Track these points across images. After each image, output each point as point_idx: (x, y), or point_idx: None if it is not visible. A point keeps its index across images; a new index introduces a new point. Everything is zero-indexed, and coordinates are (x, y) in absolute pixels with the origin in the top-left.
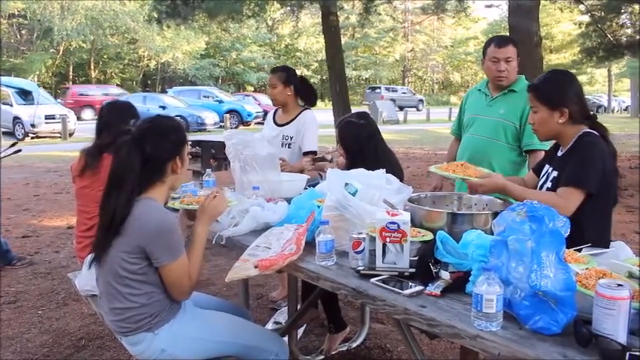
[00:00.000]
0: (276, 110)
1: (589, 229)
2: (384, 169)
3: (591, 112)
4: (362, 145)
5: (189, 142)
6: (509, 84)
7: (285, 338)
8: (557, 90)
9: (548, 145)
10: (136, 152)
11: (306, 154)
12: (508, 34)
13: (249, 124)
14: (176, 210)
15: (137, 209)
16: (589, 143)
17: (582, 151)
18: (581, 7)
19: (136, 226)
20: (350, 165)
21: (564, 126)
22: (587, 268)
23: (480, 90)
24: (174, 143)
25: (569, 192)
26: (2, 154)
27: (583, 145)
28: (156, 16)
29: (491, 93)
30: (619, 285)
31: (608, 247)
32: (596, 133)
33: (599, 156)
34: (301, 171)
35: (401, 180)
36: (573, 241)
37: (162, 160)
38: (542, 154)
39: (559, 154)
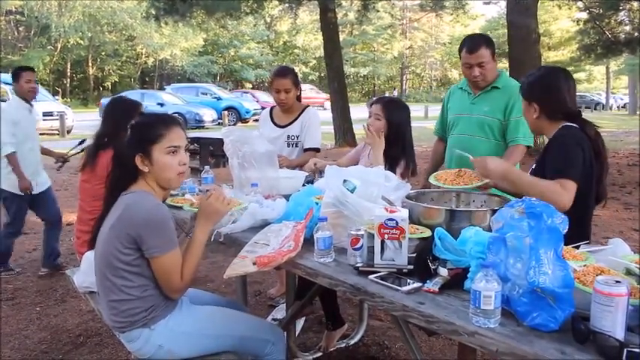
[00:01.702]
0: (271, 109)
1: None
2: (408, 156)
3: (576, 110)
4: (402, 123)
5: (188, 140)
6: (490, 83)
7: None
8: (532, 85)
9: (532, 140)
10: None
11: (307, 150)
12: (507, 31)
13: (248, 121)
14: (177, 208)
15: (129, 200)
16: (564, 136)
17: (560, 144)
18: (580, 4)
19: (127, 216)
20: (387, 141)
21: (540, 121)
22: (585, 265)
23: (461, 88)
24: (133, 141)
25: (565, 183)
26: (72, 152)
27: (558, 138)
28: (154, 13)
29: (474, 91)
30: (617, 282)
31: (589, 241)
32: (574, 125)
33: (576, 147)
34: (301, 166)
35: (414, 173)
36: None
37: (125, 158)
38: (522, 148)
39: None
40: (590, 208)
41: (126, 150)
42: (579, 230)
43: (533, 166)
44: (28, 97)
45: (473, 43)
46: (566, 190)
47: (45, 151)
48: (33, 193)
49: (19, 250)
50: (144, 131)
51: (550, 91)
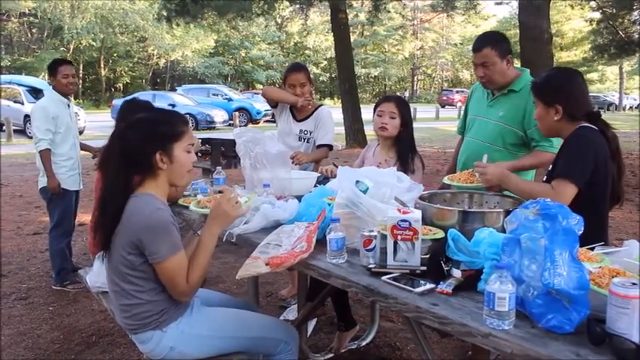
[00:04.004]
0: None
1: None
2: (415, 152)
3: (596, 110)
4: (411, 120)
5: (199, 140)
6: (504, 84)
7: None
8: (552, 88)
9: (557, 146)
10: (119, 143)
11: (320, 146)
12: (518, 31)
13: (259, 122)
14: (185, 207)
15: (132, 205)
16: (579, 136)
17: (571, 144)
18: (592, 3)
19: (130, 222)
20: (400, 133)
21: (560, 123)
22: (600, 267)
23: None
24: (155, 137)
25: (560, 184)
26: None
27: (573, 137)
28: (165, 14)
29: (492, 92)
30: (633, 284)
31: (606, 244)
32: (592, 127)
33: (588, 148)
34: (317, 161)
35: (422, 169)
36: None
37: (142, 153)
38: (550, 155)
39: None
40: (606, 209)
41: (142, 146)
42: (595, 232)
43: (550, 168)
44: (66, 91)
45: (478, 41)
46: (558, 194)
47: (83, 147)
48: (78, 190)
49: (32, 250)
50: (166, 128)
51: (573, 91)
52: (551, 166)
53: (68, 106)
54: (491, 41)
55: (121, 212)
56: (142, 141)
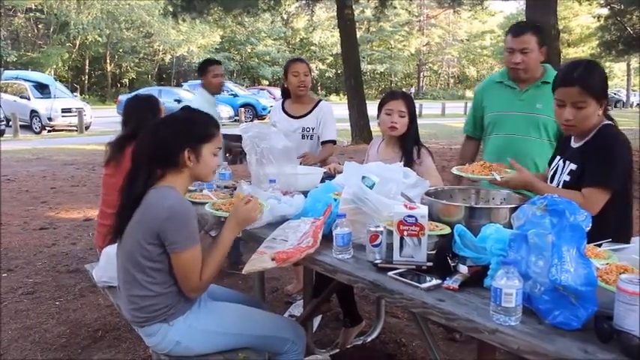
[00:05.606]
0: (283, 102)
1: (609, 224)
2: (419, 144)
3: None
4: (415, 117)
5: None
6: (538, 76)
7: None
8: (604, 82)
9: None
10: (151, 136)
11: (325, 143)
12: None
13: (264, 118)
14: (195, 204)
15: (154, 196)
16: (612, 137)
17: (606, 148)
18: None
19: (151, 212)
20: (408, 136)
21: (599, 118)
22: (607, 264)
23: (501, 82)
24: (187, 134)
25: (594, 193)
26: None
27: (607, 139)
28: (171, 9)
29: (519, 85)
30: None
31: (629, 242)
32: (611, 123)
33: (622, 152)
34: (324, 161)
35: (431, 156)
36: (593, 236)
37: (171, 148)
38: None
39: (574, 145)
40: (630, 206)
41: (173, 142)
42: (621, 229)
43: (573, 167)
44: (214, 91)
45: (519, 27)
46: (590, 202)
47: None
48: None
49: (38, 245)
50: (200, 128)
51: (607, 84)
52: (575, 165)
53: (212, 104)
54: (532, 27)
55: (139, 202)
56: (174, 137)
